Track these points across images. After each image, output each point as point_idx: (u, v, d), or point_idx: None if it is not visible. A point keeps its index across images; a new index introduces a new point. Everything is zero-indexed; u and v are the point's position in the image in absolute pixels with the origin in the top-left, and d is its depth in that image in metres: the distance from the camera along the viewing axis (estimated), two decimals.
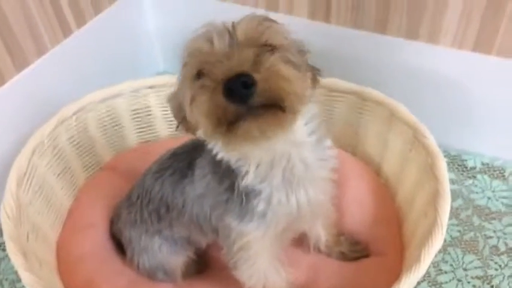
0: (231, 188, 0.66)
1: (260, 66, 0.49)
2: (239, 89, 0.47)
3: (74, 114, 0.96)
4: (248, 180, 0.63)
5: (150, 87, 1.04)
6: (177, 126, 0.64)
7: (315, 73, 0.63)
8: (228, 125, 0.50)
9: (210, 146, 0.64)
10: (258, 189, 0.64)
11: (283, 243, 0.76)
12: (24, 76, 0.99)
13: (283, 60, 0.53)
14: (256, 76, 0.48)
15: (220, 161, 0.64)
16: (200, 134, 0.61)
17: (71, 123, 0.96)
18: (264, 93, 0.49)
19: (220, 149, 0.63)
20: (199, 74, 0.53)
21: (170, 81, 1.04)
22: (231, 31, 0.53)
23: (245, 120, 0.50)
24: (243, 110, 0.49)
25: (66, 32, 1.07)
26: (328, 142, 0.69)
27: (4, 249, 1.01)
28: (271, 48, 0.53)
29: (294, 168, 0.64)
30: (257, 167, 0.63)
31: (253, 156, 0.62)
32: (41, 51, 1.02)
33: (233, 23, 0.54)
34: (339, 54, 1.09)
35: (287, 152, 0.62)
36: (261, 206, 0.65)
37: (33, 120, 0.97)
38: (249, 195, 0.65)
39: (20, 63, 0.98)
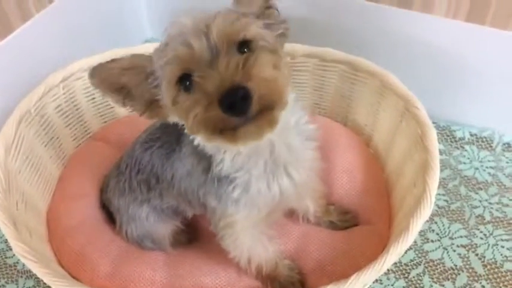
0: (207, 170, 0.67)
1: (250, 74, 0.50)
2: (238, 103, 0.49)
3: (61, 82, 0.94)
4: (223, 168, 0.65)
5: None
6: (141, 114, 0.64)
7: (284, 29, 0.63)
8: (226, 131, 0.52)
9: (186, 131, 0.63)
10: (232, 176, 0.65)
11: (271, 221, 0.77)
12: (9, 42, 0.97)
13: (265, 56, 0.54)
14: (250, 85, 0.49)
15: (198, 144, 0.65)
16: (172, 119, 0.62)
17: (58, 91, 0.94)
18: (258, 101, 0.50)
19: (196, 137, 0.62)
20: (183, 78, 0.54)
21: None
22: (206, 32, 0.52)
23: (244, 127, 0.51)
24: (242, 119, 0.50)
25: None
26: (306, 117, 0.69)
27: None
28: (248, 43, 0.54)
29: (278, 156, 0.65)
30: (234, 157, 0.64)
31: (230, 148, 0.62)
32: (25, 16, 0.99)
33: (206, 23, 0.53)
34: (331, 24, 1.07)
35: (270, 141, 0.63)
36: (235, 193, 0.66)
37: (18, 88, 0.95)
38: (221, 181, 0.66)
39: (5, 29, 0.96)
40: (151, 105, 0.61)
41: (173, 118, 0.62)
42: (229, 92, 0.49)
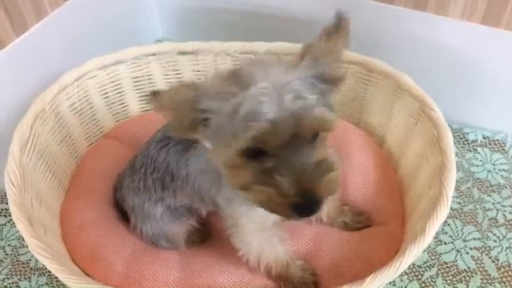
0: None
1: (326, 185, 0.53)
2: (312, 211, 0.52)
3: (75, 81, 0.95)
4: None
5: (152, 54, 1.02)
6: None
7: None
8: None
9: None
10: None
11: (282, 222, 0.76)
12: (24, 40, 0.97)
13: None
14: (325, 195, 0.53)
15: None
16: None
17: (72, 90, 0.95)
18: None
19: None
20: (254, 150, 0.53)
21: (172, 49, 1.03)
22: (297, 119, 0.51)
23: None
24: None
25: None
26: (330, 151, 0.69)
27: (6, 215, 1.01)
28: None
29: None
30: None
31: None
32: (40, 15, 0.99)
33: (298, 108, 0.51)
34: None
35: None
36: (254, 212, 0.67)
37: (32, 86, 0.96)
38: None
39: (19, 28, 0.96)
40: (190, 129, 0.59)
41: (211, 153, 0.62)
42: (307, 203, 0.51)
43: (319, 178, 0.52)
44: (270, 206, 0.54)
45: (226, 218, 0.73)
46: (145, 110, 1.09)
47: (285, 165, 0.52)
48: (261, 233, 0.74)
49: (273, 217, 0.70)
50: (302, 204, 0.51)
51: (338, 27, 0.60)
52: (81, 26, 1.11)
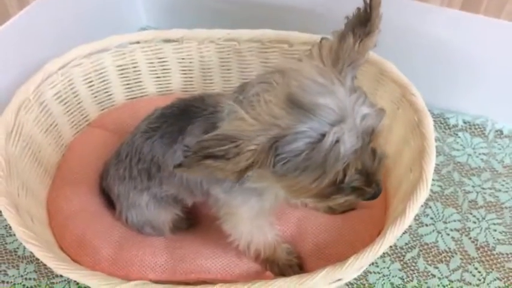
0: None
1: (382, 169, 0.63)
2: (377, 196, 0.63)
3: (60, 69, 0.94)
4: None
5: (137, 42, 1.02)
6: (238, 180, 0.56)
7: None
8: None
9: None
10: (254, 186, 0.67)
11: (272, 209, 0.78)
12: (6, 29, 0.96)
13: None
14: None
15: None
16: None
17: (56, 78, 0.94)
18: None
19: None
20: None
21: (156, 36, 1.03)
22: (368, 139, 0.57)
23: None
24: None
25: None
26: None
27: None
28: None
29: None
30: None
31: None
32: (22, 3, 0.98)
33: (370, 132, 0.56)
34: (328, 11, 1.08)
35: None
36: (253, 201, 0.70)
37: (16, 75, 0.95)
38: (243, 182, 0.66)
39: (2, 16, 0.95)
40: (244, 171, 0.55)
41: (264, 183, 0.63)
42: (377, 193, 0.62)
43: (381, 169, 0.61)
44: (346, 205, 0.67)
45: (219, 207, 0.75)
46: (131, 98, 1.09)
47: (357, 171, 0.59)
48: (254, 219, 0.76)
49: (271, 204, 0.73)
50: (374, 196, 0.62)
51: (369, 23, 0.64)
52: (65, 14, 1.10)
